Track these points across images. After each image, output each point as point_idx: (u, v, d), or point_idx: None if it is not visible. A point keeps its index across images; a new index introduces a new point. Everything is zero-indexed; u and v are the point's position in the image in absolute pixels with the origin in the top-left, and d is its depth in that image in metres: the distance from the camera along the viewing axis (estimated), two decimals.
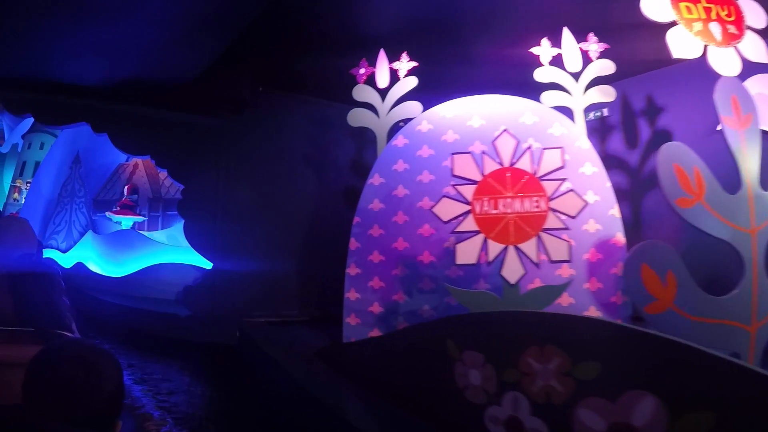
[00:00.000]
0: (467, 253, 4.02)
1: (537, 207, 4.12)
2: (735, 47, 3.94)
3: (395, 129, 5.49)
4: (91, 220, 10.02)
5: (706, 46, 3.89)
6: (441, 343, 3.35)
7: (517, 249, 4.07)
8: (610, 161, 5.85)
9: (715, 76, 3.83)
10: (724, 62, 3.87)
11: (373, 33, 5.81)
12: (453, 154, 4.31)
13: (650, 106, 6.57)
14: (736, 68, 3.88)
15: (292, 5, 5.45)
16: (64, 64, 6.07)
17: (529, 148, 4.34)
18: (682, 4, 3.95)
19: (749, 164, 3.68)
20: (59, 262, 9.45)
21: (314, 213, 7.45)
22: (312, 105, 7.67)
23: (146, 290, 8.15)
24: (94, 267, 9.28)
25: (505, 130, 4.35)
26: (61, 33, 5.42)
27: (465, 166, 4.20)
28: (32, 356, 1.24)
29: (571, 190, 4.24)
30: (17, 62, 6.04)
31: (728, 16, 4.00)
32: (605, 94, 5.21)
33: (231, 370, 5.96)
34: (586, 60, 5.20)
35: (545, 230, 4.13)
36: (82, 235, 9.99)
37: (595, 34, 5.26)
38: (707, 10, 4.00)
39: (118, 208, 9.72)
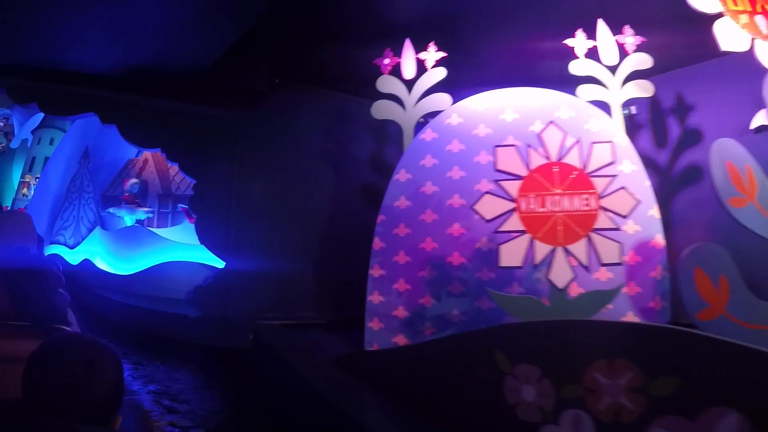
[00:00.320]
0: (512, 254, 3.81)
1: (587, 205, 3.92)
2: None
3: (421, 123, 5.32)
4: (100, 216, 9.92)
5: (753, 39, 3.74)
6: (488, 355, 3.15)
7: (566, 251, 3.84)
8: None
9: (747, 74, 3.75)
10: None
11: (397, 22, 5.60)
12: (496, 146, 4.12)
13: (680, 104, 6.33)
14: None
15: None
16: (71, 50, 5.85)
17: (577, 141, 4.11)
18: None
19: None
20: (66, 258, 9.65)
21: (332, 211, 7.20)
22: (330, 98, 7.42)
23: (155, 289, 7.90)
24: (101, 264, 9.12)
25: (551, 122, 4.17)
26: (67, 16, 5.21)
27: (509, 160, 4.00)
28: (31, 351, 1.23)
29: (623, 188, 4.04)
30: (22, 48, 5.81)
31: None
32: (643, 89, 5.03)
33: (244, 376, 5.82)
34: (622, 53, 5.02)
35: (595, 230, 3.92)
36: (90, 231, 9.87)
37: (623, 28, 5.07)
38: (752, 3, 3.87)
39: (124, 202, 9.62)
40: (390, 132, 7.31)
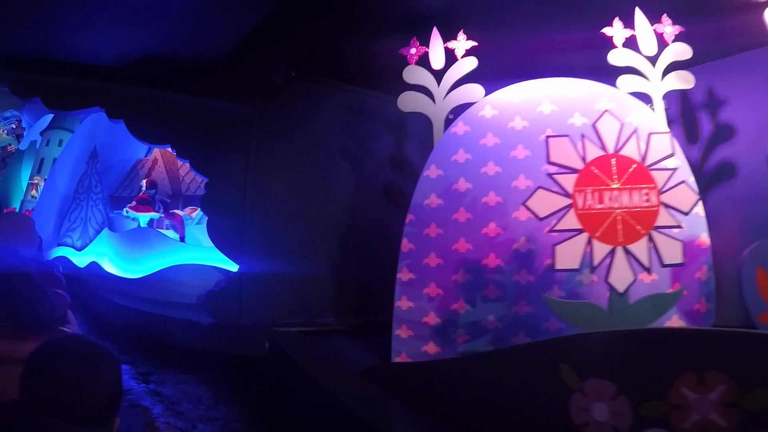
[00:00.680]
0: (569, 255, 3.45)
1: (647, 201, 3.60)
2: None
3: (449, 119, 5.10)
4: (108, 217, 9.84)
5: None
6: (552, 370, 2.85)
7: (626, 251, 3.51)
8: None
9: None
10: None
11: (422, 11, 5.33)
12: (548, 137, 3.74)
13: (711, 99, 6.13)
14: None
15: None
16: (76, 39, 5.55)
17: (635, 131, 3.77)
18: None
19: None
20: (73, 261, 9.58)
21: (352, 210, 6.94)
22: (349, 93, 7.18)
23: (165, 293, 7.78)
24: (109, 267, 8.99)
25: (606, 111, 3.83)
26: (70, 2, 4.94)
27: (563, 152, 3.63)
28: (29, 352, 1.24)
29: (683, 182, 3.76)
30: (23, 40, 5.53)
31: None
32: (685, 80, 4.89)
33: (259, 386, 5.51)
34: (660, 44, 4.89)
35: (657, 228, 3.58)
36: (98, 232, 9.79)
37: (657, 19, 4.93)
38: None
39: (135, 203, 9.47)
40: (411, 129, 7.27)
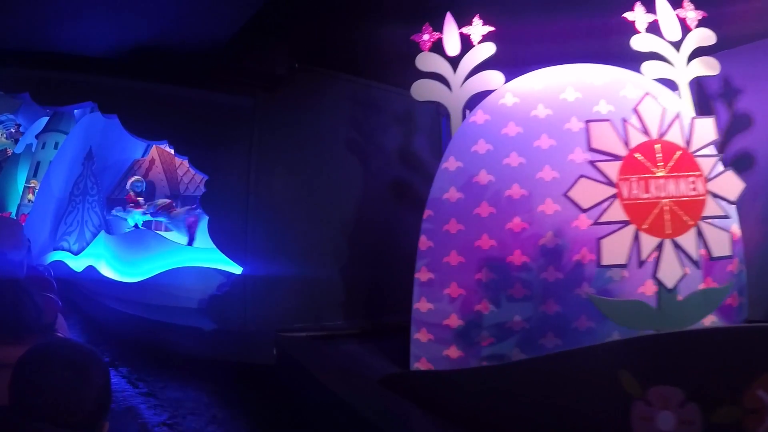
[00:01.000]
0: (615, 249, 3.25)
1: (694, 190, 3.40)
2: None
3: (469, 104, 4.93)
4: (105, 219, 9.74)
5: None
6: (610, 377, 2.67)
7: (674, 243, 3.30)
8: None
9: None
10: None
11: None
12: (588, 121, 3.57)
13: (729, 87, 6.03)
14: None
15: None
16: (64, 28, 5.33)
17: (677, 116, 3.57)
18: None
19: None
20: (69, 265, 9.47)
21: (360, 207, 6.75)
22: (356, 85, 7.03)
23: (164, 298, 7.57)
24: (107, 270, 8.84)
25: (647, 93, 3.64)
26: None
27: (605, 137, 3.43)
28: (18, 357, 1.25)
29: (729, 169, 3.54)
30: (8, 30, 5.33)
31: None
32: (710, 66, 4.82)
33: (266, 396, 5.29)
34: (683, 29, 4.85)
35: (704, 219, 3.37)
36: (95, 235, 9.66)
37: (679, 4, 4.89)
38: None
39: (131, 204, 9.38)
40: (419, 122, 7.22)
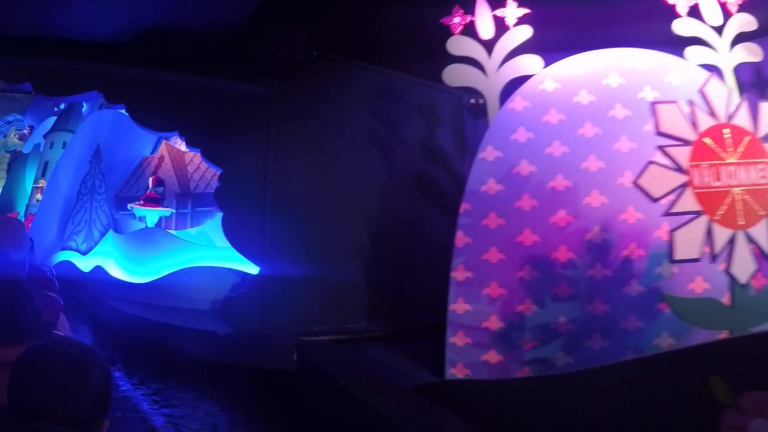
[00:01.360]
0: (688, 243, 3.08)
1: (764, 177, 3.27)
2: None
3: (507, 90, 4.79)
4: (113, 218, 9.68)
5: None
6: (697, 384, 2.51)
7: (747, 235, 3.16)
8: None
9: None
10: None
11: None
12: (654, 103, 3.46)
13: (758, 77, 5.85)
14: None
15: None
16: (67, 12, 5.20)
17: (744, 98, 3.50)
18: None
19: None
20: (77, 265, 9.47)
21: (383, 203, 6.59)
22: (376, 74, 6.86)
23: (175, 299, 7.51)
24: (115, 271, 8.79)
25: (712, 74, 3.58)
26: None
27: (673, 121, 3.29)
28: (17, 356, 1.27)
29: None
30: (9, 16, 5.19)
31: None
32: (753, 53, 4.71)
33: (287, 405, 5.17)
34: (725, 14, 4.79)
35: None
36: (103, 235, 9.65)
37: None
38: None
39: (143, 201, 9.26)
40: (442, 114, 7.08)
